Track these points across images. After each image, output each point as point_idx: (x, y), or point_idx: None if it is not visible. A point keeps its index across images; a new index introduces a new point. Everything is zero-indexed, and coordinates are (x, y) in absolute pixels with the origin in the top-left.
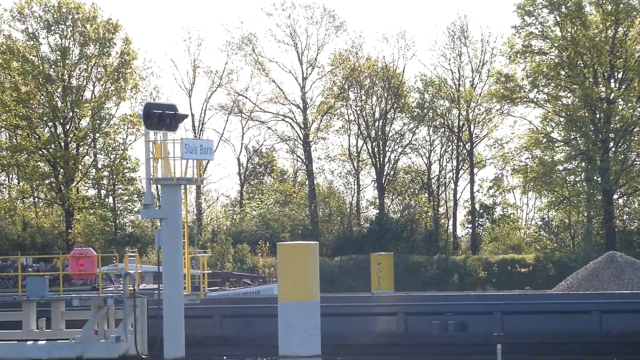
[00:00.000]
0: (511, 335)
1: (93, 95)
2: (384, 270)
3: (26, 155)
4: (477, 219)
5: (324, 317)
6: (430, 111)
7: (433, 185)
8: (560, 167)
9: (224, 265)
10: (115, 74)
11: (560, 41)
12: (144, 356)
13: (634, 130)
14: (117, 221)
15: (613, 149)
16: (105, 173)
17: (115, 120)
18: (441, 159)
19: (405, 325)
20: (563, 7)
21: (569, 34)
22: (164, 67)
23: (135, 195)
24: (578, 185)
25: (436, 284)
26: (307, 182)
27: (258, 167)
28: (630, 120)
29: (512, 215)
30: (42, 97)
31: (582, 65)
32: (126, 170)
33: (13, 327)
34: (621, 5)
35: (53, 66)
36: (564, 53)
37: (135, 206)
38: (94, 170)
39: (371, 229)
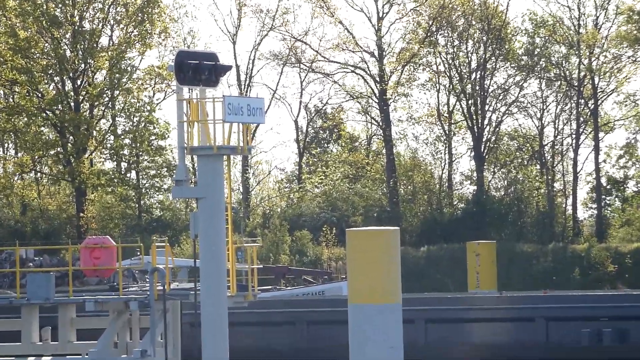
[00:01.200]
0: None
1: (111, 42)
2: (483, 264)
3: (26, 119)
4: (603, 197)
5: (406, 324)
6: (542, 59)
7: (546, 155)
8: None
9: (278, 259)
10: (139, 14)
11: None
12: None
13: None
14: (142, 202)
15: None
16: (127, 141)
17: (139, 74)
18: (556, 121)
19: (545, 333)
20: None
21: None
22: (201, 6)
23: (165, 169)
24: None
25: (551, 280)
26: (384, 151)
27: (321, 132)
28: None
29: None
30: (47, 44)
31: None
32: (153, 138)
33: (10, 338)
34: None
35: (60, 5)
36: None
37: (164, 183)
38: (112, 137)
39: (467, 210)
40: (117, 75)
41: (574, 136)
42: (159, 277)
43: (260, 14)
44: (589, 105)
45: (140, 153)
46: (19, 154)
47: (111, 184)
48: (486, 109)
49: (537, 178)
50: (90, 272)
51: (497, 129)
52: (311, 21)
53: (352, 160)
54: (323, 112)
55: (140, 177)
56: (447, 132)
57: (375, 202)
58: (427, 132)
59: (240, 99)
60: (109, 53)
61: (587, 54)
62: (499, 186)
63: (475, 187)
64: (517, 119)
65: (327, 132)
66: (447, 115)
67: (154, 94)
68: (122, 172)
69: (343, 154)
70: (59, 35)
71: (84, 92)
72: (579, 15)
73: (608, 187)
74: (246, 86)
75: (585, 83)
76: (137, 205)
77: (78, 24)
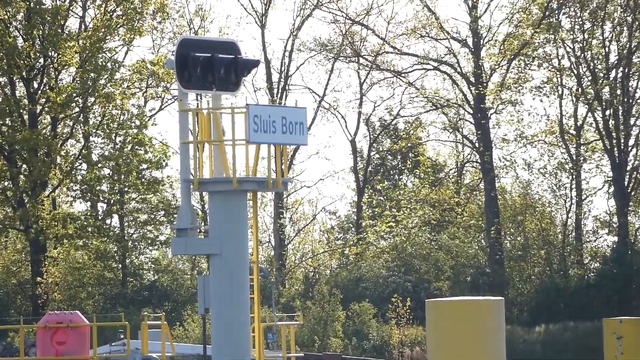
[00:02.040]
0: None
1: (83, 27)
2: (628, 350)
3: None
4: None
5: None
6: None
7: None
8: None
9: (327, 343)
10: None
11: None
12: None
13: None
14: (128, 261)
15: None
16: (106, 171)
17: (125, 73)
18: None
19: None
20: None
21: None
22: None
23: (162, 213)
24: None
25: None
26: (481, 186)
27: (390, 157)
28: None
29: None
30: None
31: None
32: (144, 167)
33: None
34: None
35: None
36: None
37: (160, 233)
38: (84, 165)
39: (604, 272)
40: (92, 74)
41: None
42: None
43: None
44: None
45: (126, 189)
46: None
47: (83, 235)
48: (631, 122)
49: None
50: None
51: None
52: None
53: (435, 199)
54: (392, 128)
55: (126, 224)
56: (574, 157)
57: (468, 261)
58: (544, 158)
59: (272, 108)
60: (80, 42)
61: None
62: None
63: (615, 239)
64: None
65: (399, 157)
66: (574, 132)
67: (145, 102)
68: (99, 217)
69: (422, 190)
70: (6, 16)
71: (44, 100)
72: None
73: None
74: (280, 90)
75: None
76: (120, 265)
77: None
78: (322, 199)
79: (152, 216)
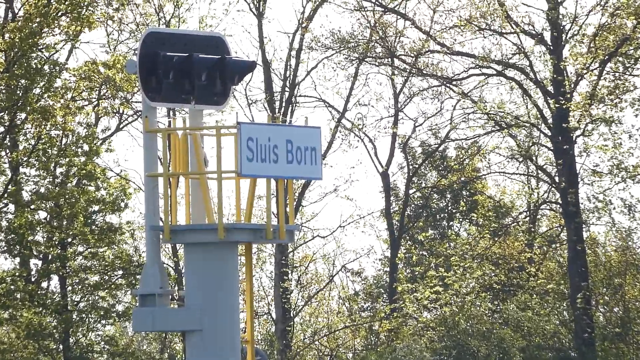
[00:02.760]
0: None
1: (10, 16)
2: None
3: None
4: None
5: None
6: None
7: None
8: None
9: None
10: None
11: None
12: None
13: None
14: (72, 339)
15: None
16: (42, 214)
17: (69, 80)
18: None
19: None
20: None
21: None
22: None
23: (119, 272)
24: None
25: None
26: (563, 234)
27: (435, 195)
28: None
29: None
30: None
31: None
32: (94, 208)
33: None
34: None
35: None
36: None
37: (117, 300)
38: (10, 206)
39: None
40: (23, 81)
41: None
42: None
43: None
44: None
45: (70, 240)
46: None
47: (9, 304)
48: None
49: None
50: None
51: None
52: None
53: (498, 255)
54: (440, 156)
55: (70, 288)
56: None
57: (546, 341)
58: None
59: (274, 129)
60: (6, 36)
61: None
62: None
63: None
64: None
65: (449, 196)
66: None
67: (97, 119)
68: (32, 279)
69: (480, 242)
70: None
71: None
72: None
73: None
74: (284, 103)
75: None
76: (61, 346)
77: None
78: (342, 255)
79: (106, 277)
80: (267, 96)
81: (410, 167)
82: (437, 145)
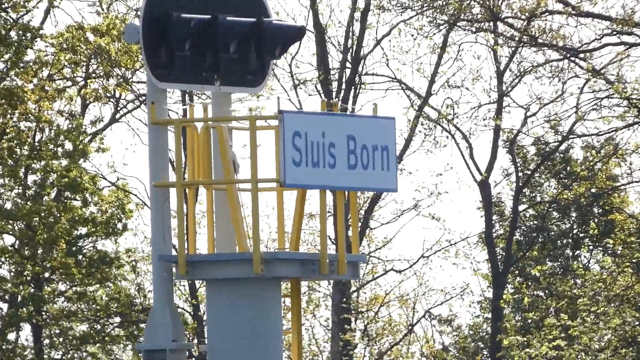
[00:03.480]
0: None
1: None
2: None
3: None
4: None
5: None
6: None
7: None
8: None
9: None
10: None
11: None
12: None
13: None
14: None
15: None
16: (8, 240)
17: (45, 51)
18: None
19: None
20: None
21: None
22: None
23: (116, 320)
24: None
25: None
26: None
27: (555, 213)
28: None
29: None
30: None
31: None
32: (81, 231)
33: None
34: None
35: None
36: None
37: (112, 357)
38: None
39: None
40: None
41: None
42: None
43: None
44: None
45: (48, 274)
46: None
47: None
48: None
49: None
50: None
51: None
52: None
53: None
54: (561, 159)
55: (47, 341)
56: None
57: None
58: None
59: (329, 119)
60: None
61: None
62: None
63: None
64: None
65: (574, 215)
66: None
67: (84, 105)
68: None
69: (619, 278)
70: None
71: None
72: None
73: None
74: (344, 85)
75: None
76: None
77: None
78: (425, 296)
79: (98, 327)
80: (321, 74)
81: (520, 174)
82: (557, 144)
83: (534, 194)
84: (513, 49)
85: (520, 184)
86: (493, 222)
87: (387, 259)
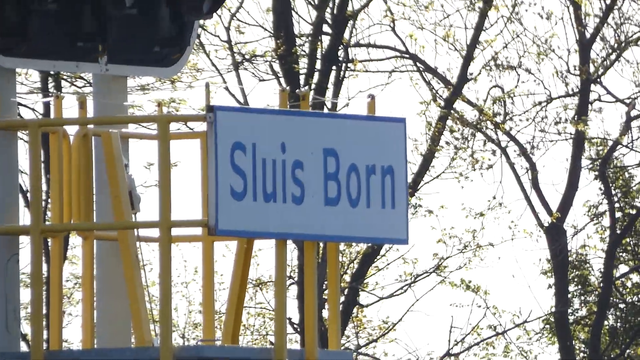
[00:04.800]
0: None
1: None
2: None
3: None
4: None
5: None
6: None
7: None
8: None
9: None
10: None
11: None
12: None
13: None
14: None
15: None
16: None
17: None
18: None
19: None
20: None
21: None
22: None
23: None
24: None
25: None
26: None
27: None
28: None
29: None
30: None
31: None
32: None
33: None
34: None
35: None
36: None
37: None
38: None
39: None
40: None
41: None
42: None
43: None
44: None
45: None
46: None
47: None
48: None
49: None
50: None
51: None
52: None
53: None
54: None
55: None
56: None
57: None
58: None
59: (295, 122)
60: None
61: None
62: None
63: None
64: None
65: None
66: None
67: None
68: None
69: None
70: None
71: None
72: None
73: None
74: (321, 62)
75: None
76: None
77: None
78: None
79: None
80: (281, 46)
81: (619, 214)
82: None
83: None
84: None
85: (619, 232)
86: (570, 296)
87: (389, 359)
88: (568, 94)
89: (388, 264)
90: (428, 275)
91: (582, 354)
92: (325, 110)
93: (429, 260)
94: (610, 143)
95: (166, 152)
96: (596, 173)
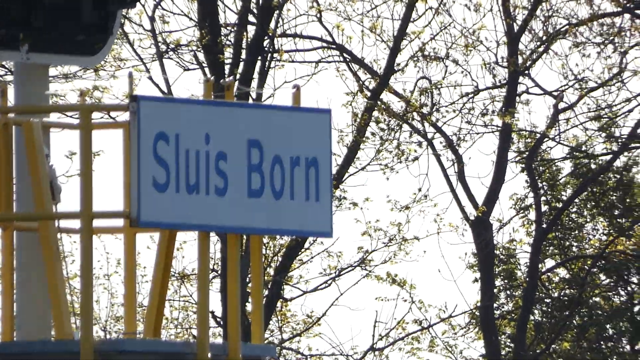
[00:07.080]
0: None
1: None
2: None
3: None
4: None
5: None
6: None
7: None
8: None
9: None
10: None
11: None
12: None
13: None
14: None
15: None
16: None
17: None
18: None
19: None
20: None
21: None
22: None
23: None
24: None
25: None
26: None
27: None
28: None
29: None
30: None
31: None
32: None
33: None
34: None
35: None
36: None
37: None
38: None
39: None
40: None
41: None
42: None
43: None
44: None
45: None
46: None
47: None
48: None
49: None
50: None
51: None
52: None
53: None
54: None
55: None
56: None
57: None
58: None
59: (220, 112)
60: None
61: None
62: None
63: None
64: None
65: None
66: None
67: None
68: None
69: None
70: None
71: None
72: None
73: None
74: (247, 51)
75: None
76: None
77: None
78: None
79: None
80: (205, 35)
81: (545, 207)
82: (609, 157)
83: (567, 244)
84: None
85: (544, 226)
86: (496, 290)
87: (313, 353)
88: (495, 86)
89: (312, 257)
90: (353, 269)
91: (507, 349)
92: (250, 101)
93: (354, 253)
94: (537, 136)
95: (88, 142)
96: (523, 166)
